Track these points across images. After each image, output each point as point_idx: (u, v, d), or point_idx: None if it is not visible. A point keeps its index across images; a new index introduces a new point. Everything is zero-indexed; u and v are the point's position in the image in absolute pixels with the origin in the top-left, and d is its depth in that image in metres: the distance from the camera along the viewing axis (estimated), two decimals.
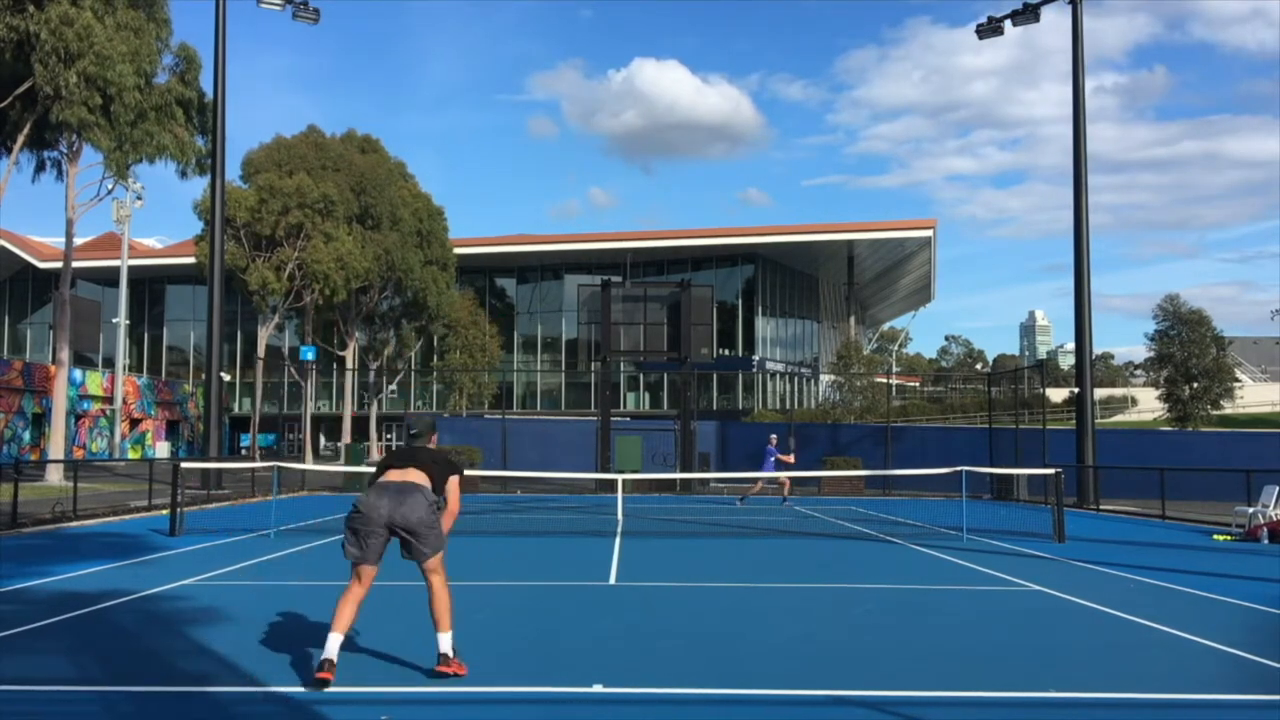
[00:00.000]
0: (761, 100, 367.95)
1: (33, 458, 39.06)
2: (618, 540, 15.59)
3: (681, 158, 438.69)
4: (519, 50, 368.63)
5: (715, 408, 57.88)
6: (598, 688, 6.12)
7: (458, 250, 51.92)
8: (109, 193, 32.89)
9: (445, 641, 6.31)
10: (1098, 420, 36.51)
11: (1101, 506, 24.45)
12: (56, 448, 31.82)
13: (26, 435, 40.99)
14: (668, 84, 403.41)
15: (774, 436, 25.25)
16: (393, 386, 60.74)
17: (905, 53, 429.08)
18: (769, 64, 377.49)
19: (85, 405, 45.67)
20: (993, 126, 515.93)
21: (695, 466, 30.65)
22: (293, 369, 53.34)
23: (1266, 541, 15.87)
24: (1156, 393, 53.20)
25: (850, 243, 59.09)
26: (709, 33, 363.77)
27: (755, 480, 25.34)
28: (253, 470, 26.84)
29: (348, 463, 33.36)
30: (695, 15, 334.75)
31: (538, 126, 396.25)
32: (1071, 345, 39.42)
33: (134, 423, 49.30)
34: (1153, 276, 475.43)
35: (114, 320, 45.54)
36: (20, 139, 29.24)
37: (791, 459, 24.69)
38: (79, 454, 43.14)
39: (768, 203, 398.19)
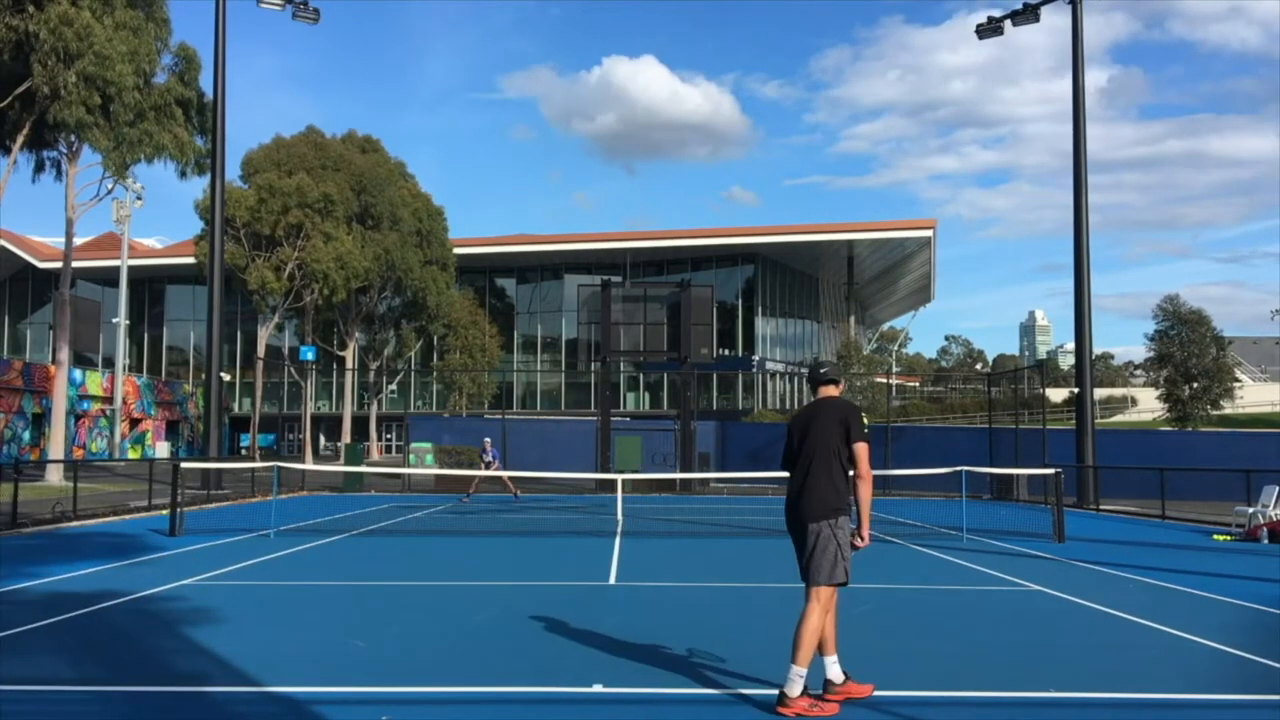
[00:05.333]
0: (738, 100, 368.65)
1: (33, 458, 39.04)
2: (618, 540, 15.59)
3: (664, 158, 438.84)
4: (516, 49, 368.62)
5: (715, 408, 57.87)
6: (598, 688, 6.11)
7: (458, 250, 51.95)
8: (108, 193, 32.89)
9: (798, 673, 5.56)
10: (1097, 420, 36.51)
11: (1101, 506, 24.44)
12: (56, 448, 31.80)
13: (26, 435, 40.99)
14: (644, 82, 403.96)
15: (488, 440, 26.92)
16: (393, 386, 60.76)
17: (879, 52, 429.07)
18: (743, 64, 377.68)
19: (85, 405, 45.66)
20: (975, 125, 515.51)
21: (695, 466, 30.67)
22: (293, 369, 53.39)
23: (1266, 541, 15.87)
24: (1156, 393, 53.20)
25: (850, 243, 59.10)
26: (684, 33, 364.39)
27: (473, 479, 26.99)
28: (253, 470, 26.84)
29: (347, 463, 33.37)
30: (667, 15, 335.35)
31: (534, 126, 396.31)
32: (1071, 345, 39.44)
33: (134, 423, 49.29)
34: (1143, 277, 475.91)
35: (114, 320, 45.51)
36: (20, 139, 29.22)
37: (496, 464, 26.21)
38: (79, 454, 43.13)
39: (753, 200, 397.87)
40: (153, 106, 29.94)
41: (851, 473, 5.77)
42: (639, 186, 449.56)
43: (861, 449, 5.71)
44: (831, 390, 6.03)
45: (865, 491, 5.73)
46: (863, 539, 5.80)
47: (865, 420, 5.86)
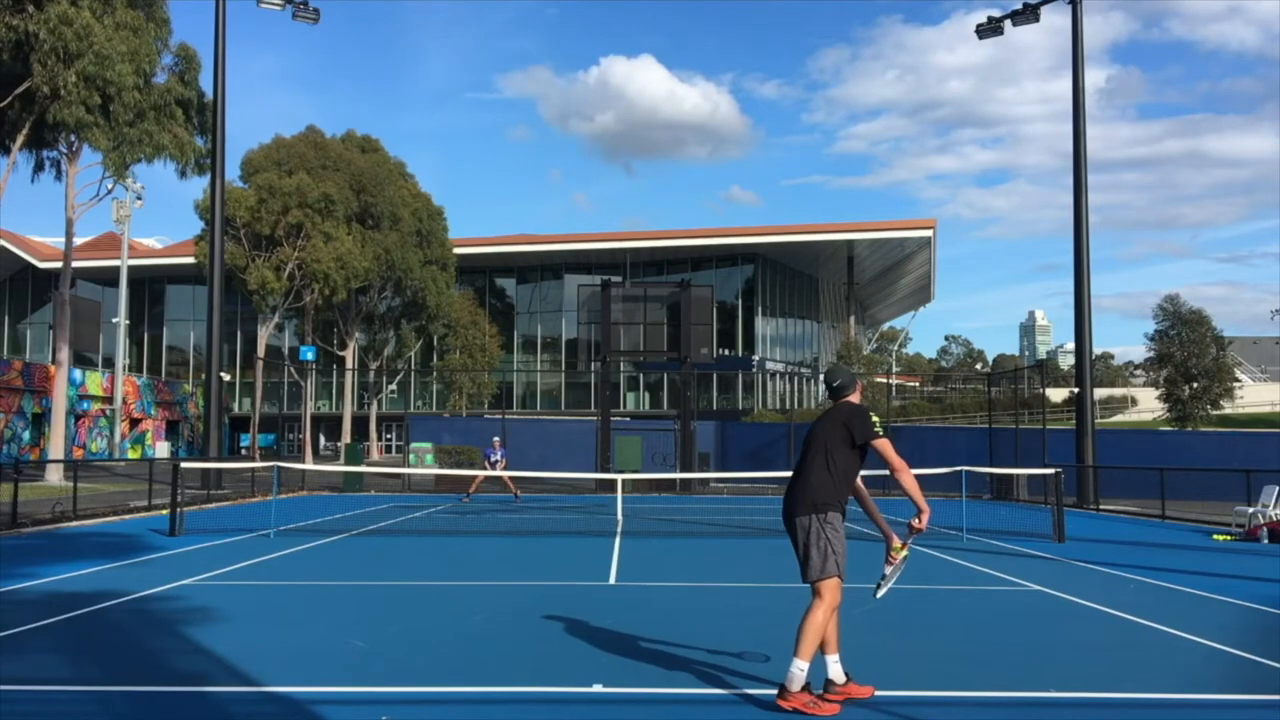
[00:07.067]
0: (737, 100, 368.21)
1: (33, 458, 39.04)
2: (618, 540, 15.59)
3: (663, 157, 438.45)
4: (514, 49, 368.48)
5: (715, 408, 57.86)
6: (598, 688, 6.12)
7: (458, 250, 51.93)
8: (108, 193, 32.89)
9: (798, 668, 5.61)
10: (1097, 420, 36.51)
11: (1101, 506, 24.44)
12: (56, 448, 31.81)
13: (26, 435, 40.98)
14: (642, 82, 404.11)
15: (496, 440, 26.61)
16: (392, 386, 60.75)
17: (877, 52, 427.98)
18: (741, 64, 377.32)
19: (85, 405, 45.65)
20: (973, 125, 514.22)
21: (695, 466, 30.67)
22: (293, 369, 53.39)
23: (1266, 541, 15.87)
24: (1156, 393, 53.18)
25: (850, 243, 59.09)
26: (681, 33, 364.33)
27: (475, 477, 26.88)
28: (253, 470, 26.84)
29: (347, 463, 33.36)
30: (664, 14, 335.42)
31: (533, 126, 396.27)
32: (1071, 345, 39.46)
33: (134, 423, 49.29)
34: (1142, 277, 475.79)
35: (114, 320, 45.52)
36: (20, 139, 29.23)
37: (503, 464, 25.83)
38: (79, 454, 43.13)
39: (753, 200, 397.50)
40: (153, 106, 29.93)
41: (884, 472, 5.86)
42: (638, 186, 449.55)
43: (883, 444, 5.76)
44: (850, 398, 6.03)
45: (907, 480, 5.76)
46: (919, 521, 5.81)
47: (876, 419, 5.86)
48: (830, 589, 5.64)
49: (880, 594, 6.03)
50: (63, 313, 32.70)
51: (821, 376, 5.80)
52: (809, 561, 5.69)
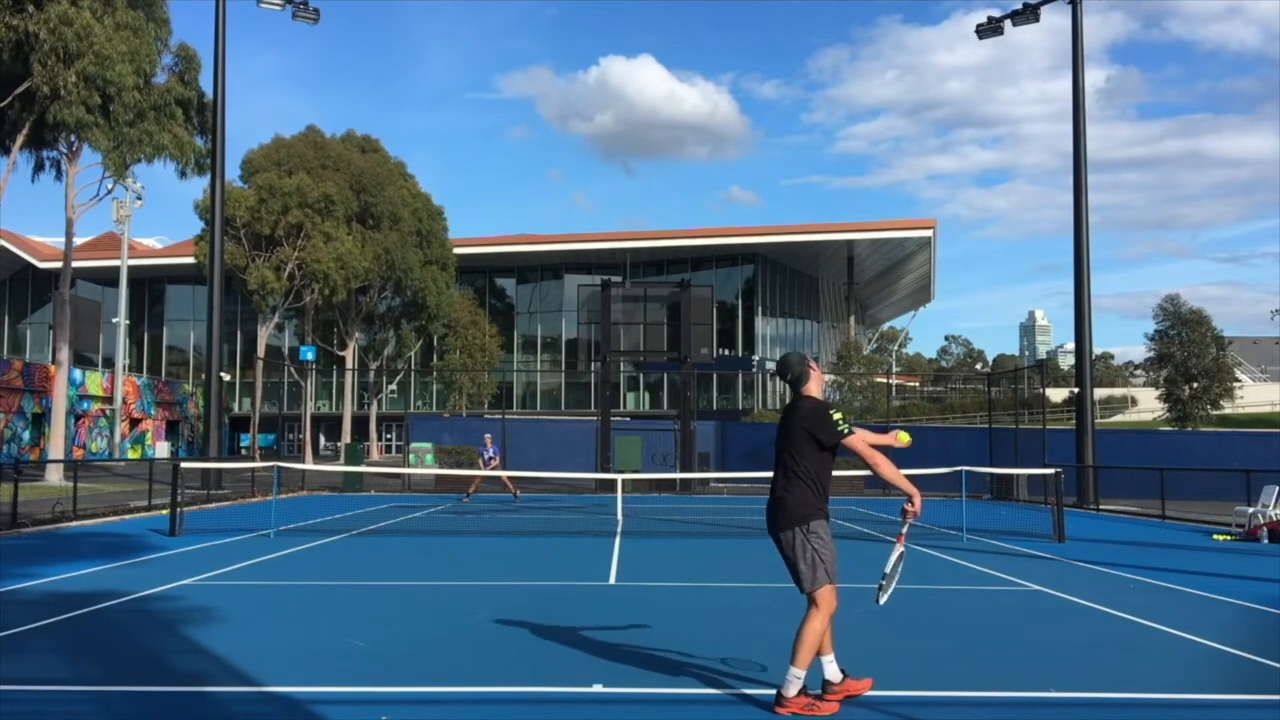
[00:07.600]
0: (736, 100, 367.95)
1: (32, 458, 39.04)
2: (618, 540, 15.59)
3: (662, 157, 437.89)
4: (514, 49, 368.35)
5: (715, 408, 57.87)
6: (598, 688, 6.11)
7: (458, 250, 51.95)
8: (108, 193, 32.92)
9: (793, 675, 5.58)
10: (1097, 420, 36.51)
11: (1101, 506, 24.45)
12: (56, 448, 31.81)
13: (26, 435, 40.98)
14: (642, 82, 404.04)
15: (489, 436, 26.66)
16: (392, 386, 60.76)
17: (877, 51, 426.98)
18: (741, 64, 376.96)
19: (85, 405, 45.65)
20: (973, 125, 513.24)
21: (695, 466, 30.67)
22: (293, 369, 53.40)
23: (1266, 541, 15.87)
24: (1156, 393, 53.22)
25: (850, 243, 59.09)
26: (681, 33, 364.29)
27: (474, 478, 26.75)
28: (253, 470, 26.84)
29: (347, 463, 33.37)
30: (664, 14, 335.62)
31: (533, 126, 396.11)
32: (1071, 345, 39.49)
33: (134, 423, 49.28)
34: (1142, 277, 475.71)
35: (114, 320, 45.53)
36: (20, 139, 29.24)
37: (496, 462, 25.84)
38: (79, 454, 43.12)
39: (753, 200, 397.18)
40: (153, 106, 29.95)
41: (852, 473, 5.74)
42: (638, 186, 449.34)
43: (852, 442, 5.63)
44: (808, 388, 5.84)
45: (887, 472, 5.65)
46: (912, 505, 5.70)
47: (839, 415, 5.65)
48: (825, 597, 5.60)
49: (883, 599, 5.90)
50: (63, 313, 32.70)
51: (773, 371, 5.36)
52: (799, 574, 5.64)
